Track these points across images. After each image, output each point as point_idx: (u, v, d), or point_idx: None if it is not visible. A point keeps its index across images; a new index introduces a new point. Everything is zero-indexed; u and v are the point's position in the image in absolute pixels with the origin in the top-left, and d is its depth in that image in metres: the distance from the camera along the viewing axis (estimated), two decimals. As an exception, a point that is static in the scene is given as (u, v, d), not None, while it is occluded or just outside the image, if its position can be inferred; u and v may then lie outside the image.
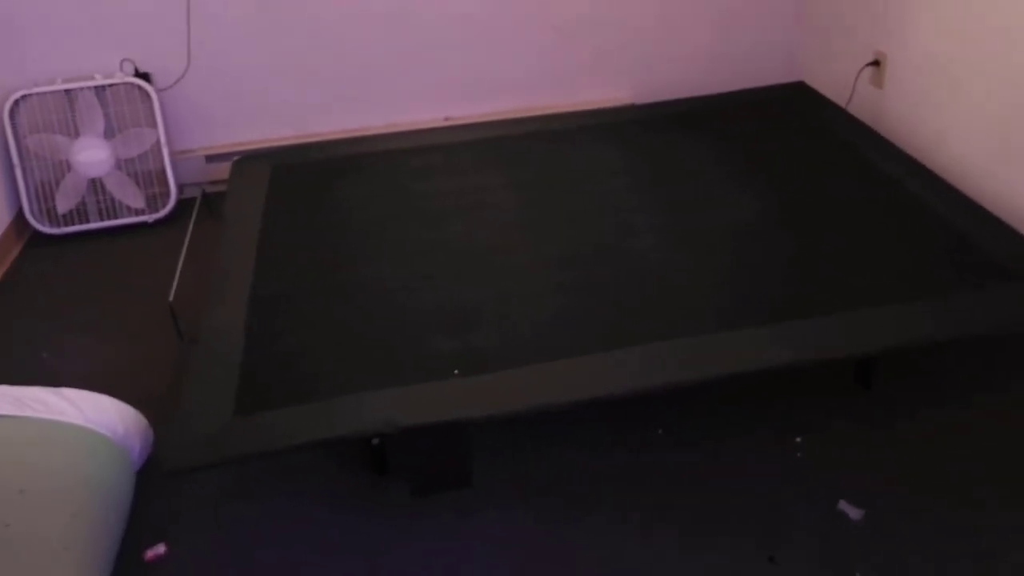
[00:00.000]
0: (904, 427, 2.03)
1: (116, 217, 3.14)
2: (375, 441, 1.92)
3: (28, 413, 1.84)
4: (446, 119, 3.41)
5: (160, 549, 1.81)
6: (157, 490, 1.96)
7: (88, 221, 3.13)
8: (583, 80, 3.47)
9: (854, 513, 1.81)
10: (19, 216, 3.09)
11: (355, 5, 3.19)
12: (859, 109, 3.12)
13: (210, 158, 3.33)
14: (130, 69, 3.12)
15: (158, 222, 3.16)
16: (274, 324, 2.04)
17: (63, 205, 3.09)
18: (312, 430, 1.67)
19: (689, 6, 3.39)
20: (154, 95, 3.09)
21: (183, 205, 3.20)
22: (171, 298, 2.31)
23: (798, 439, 2.00)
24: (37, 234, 3.12)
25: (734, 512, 1.83)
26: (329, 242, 2.40)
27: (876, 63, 3.01)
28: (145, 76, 3.12)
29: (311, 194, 2.67)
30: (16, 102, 2.99)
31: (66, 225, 3.11)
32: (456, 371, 1.83)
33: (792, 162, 2.74)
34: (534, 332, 1.97)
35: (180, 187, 3.24)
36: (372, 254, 2.32)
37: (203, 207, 3.01)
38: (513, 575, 1.71)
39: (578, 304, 2.07)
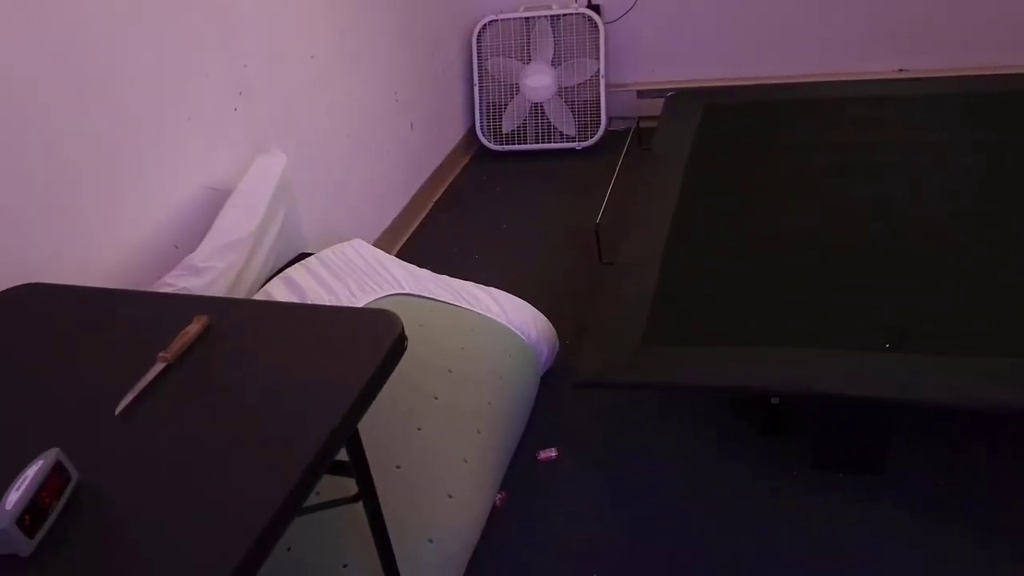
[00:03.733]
0: None
1: (550, 141, 3.35)
2: (775, 400, 1.82)
3: (462, 304, 2.04)
4: (900, 71, 3.06)
5: (552, 452, 1.91)
6: (554, 397, 2.07)
7: (526, 142, 3.37)
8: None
9: None
10: (471, 131, 3.43)
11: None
12: None
13: (640, 93, 3.38)
14: (583, 0, 3.25)
15: (585, 150, 3.31)
16: (691, 263, 2.00)
17: (508, 125, 3.36)
18: (717, 374, 1.61)
19: None
20: (601, 27, 3.20)
21: (609, 136, 3.31)
22: (598, 221, 2.41)
23: None
24: (482, 148, 3.44)
25: None
26: (755, 188, 2.28)
27: None
28: (596, 8, 3.23)
29: (741, 136, 2.57)
30: (484, 27, 3.30)
31: (507, 143, 3.39)
32: (887, 345, 1.64)
33: None
34: (987, 326, 1.69)
35: (609, 119, 3.34)
36: (801, 206, 2.17)
37: (634, 139, 3.07)
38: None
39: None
